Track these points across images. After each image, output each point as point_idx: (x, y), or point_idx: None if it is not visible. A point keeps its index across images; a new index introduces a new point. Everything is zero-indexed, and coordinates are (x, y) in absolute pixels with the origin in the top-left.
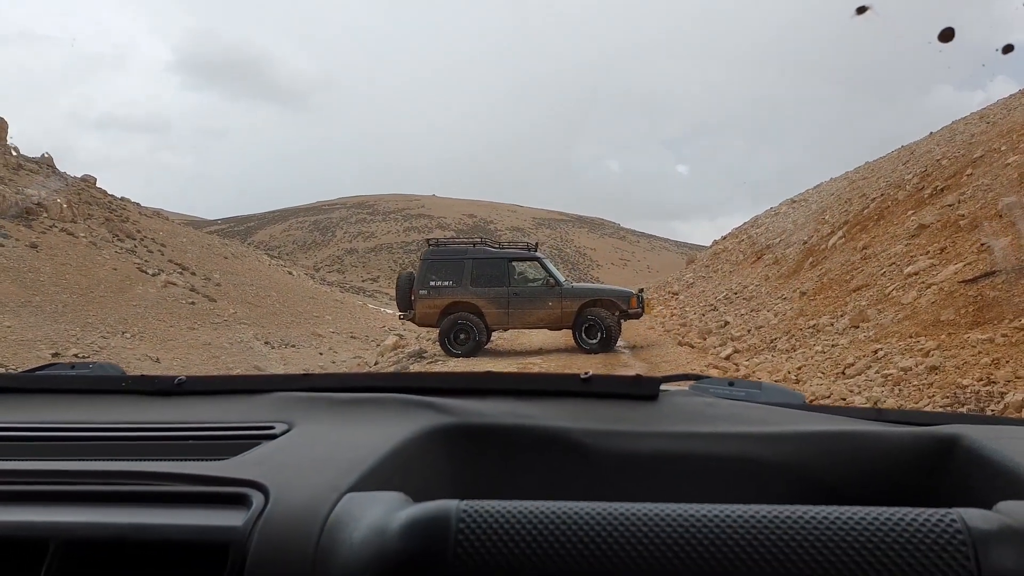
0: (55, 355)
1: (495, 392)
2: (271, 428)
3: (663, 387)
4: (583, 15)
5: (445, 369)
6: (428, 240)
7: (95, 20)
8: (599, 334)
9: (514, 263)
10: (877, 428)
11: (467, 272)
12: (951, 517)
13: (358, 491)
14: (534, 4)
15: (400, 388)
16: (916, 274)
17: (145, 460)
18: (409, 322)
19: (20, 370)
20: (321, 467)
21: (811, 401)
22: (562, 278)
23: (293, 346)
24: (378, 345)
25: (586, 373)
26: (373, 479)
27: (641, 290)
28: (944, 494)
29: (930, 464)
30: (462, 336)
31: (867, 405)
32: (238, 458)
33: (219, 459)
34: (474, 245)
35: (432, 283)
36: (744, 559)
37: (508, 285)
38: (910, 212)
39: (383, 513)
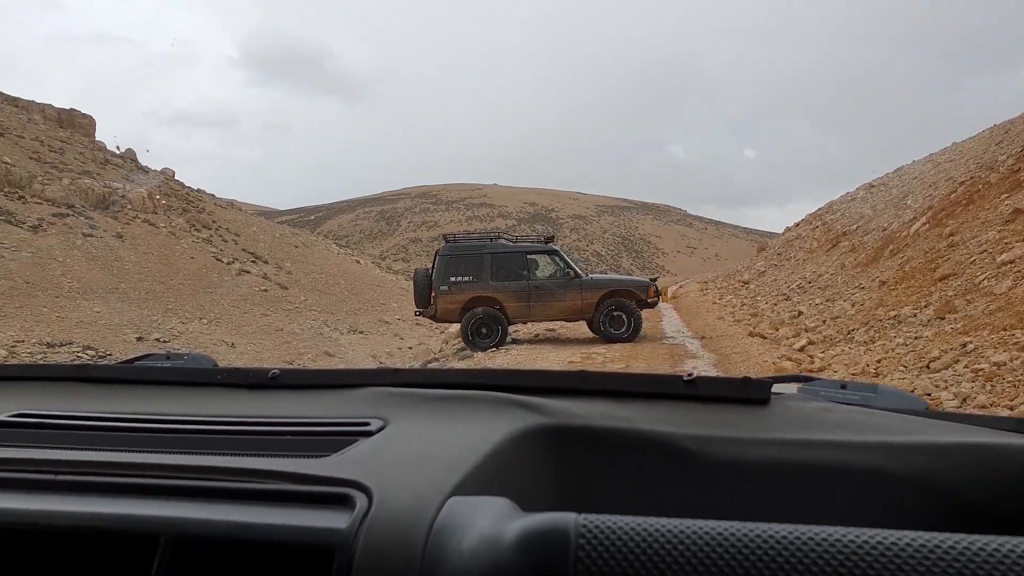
0: (139, 339)
1: (590, 392)
2: (367, 424)
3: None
4: None
5: (509, 358)
6: (444, 236)
7: (166, 21)
8: (626, 324)
9: (533, 256)
10: (1022, 441)
11: (487, 267)
12: None
13: (460, 494)
14: None
15: (493, 386)
16: (1011, 262)
17: (244, 456)
18: (428, 319)
19: (112, 356)
20: (421, 467)
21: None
22: (579, 269)
23: (361, 332)
24: (442, 332)
25: (689, 374)
26: (474, 482)
27: (654, 279)
28: None
29: None
30: (483, 330)
31: (955, 402)
32: (337, 456)
33: (317, 456)
34: (491, 239)
35: (452, 279)
36: None
37: (528, 278)
38: (1004, 196)
39: (493, 522)
